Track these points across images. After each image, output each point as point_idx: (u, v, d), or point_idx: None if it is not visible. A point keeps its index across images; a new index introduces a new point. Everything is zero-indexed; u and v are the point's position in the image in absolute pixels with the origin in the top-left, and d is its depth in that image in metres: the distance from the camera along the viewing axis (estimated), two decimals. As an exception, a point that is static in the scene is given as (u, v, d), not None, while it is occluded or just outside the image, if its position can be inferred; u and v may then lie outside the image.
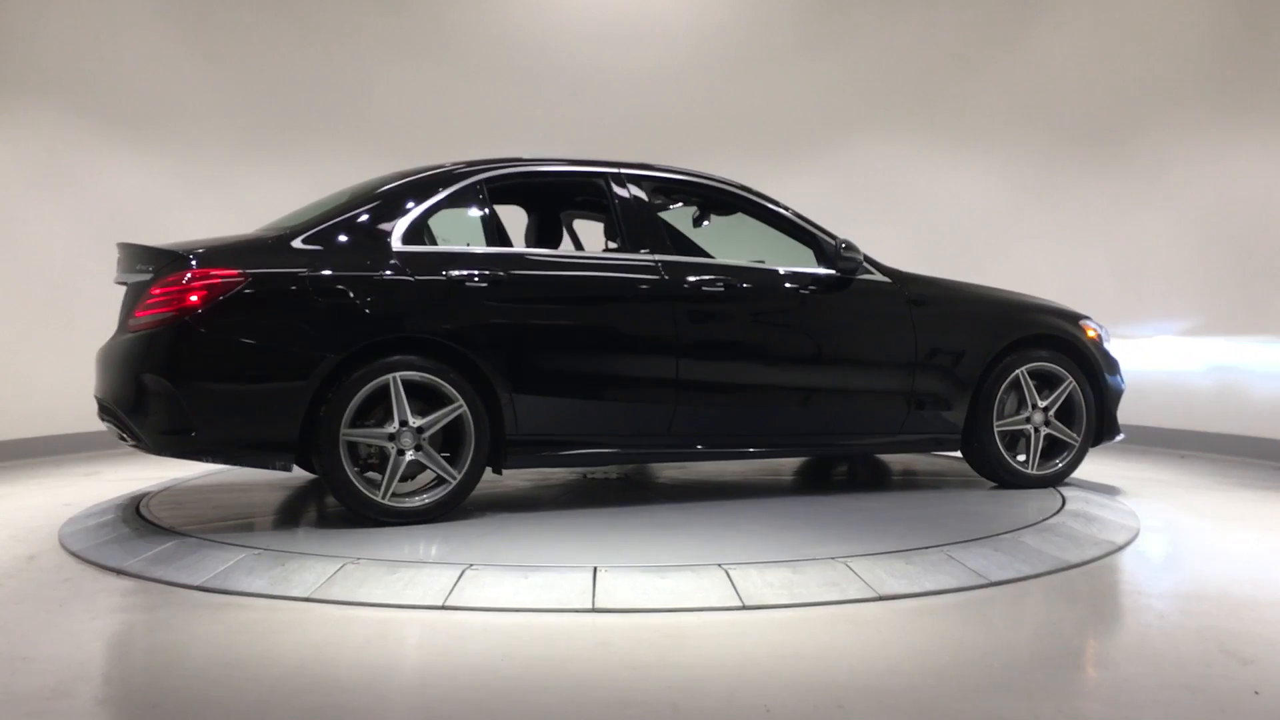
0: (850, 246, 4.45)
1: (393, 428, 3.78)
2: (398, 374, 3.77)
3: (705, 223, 4.96)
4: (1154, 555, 3.76)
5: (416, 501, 3.87)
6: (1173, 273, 6.84)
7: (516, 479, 4.98)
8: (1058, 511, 4.15)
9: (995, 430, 4.61)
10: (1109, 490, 4.90)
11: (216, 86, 7.45)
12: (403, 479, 3.89)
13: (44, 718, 2.21)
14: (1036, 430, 4.68)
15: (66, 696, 2.35)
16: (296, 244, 3.84)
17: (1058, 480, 4.73)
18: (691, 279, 4.24)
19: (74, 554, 3.68)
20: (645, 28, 8.05)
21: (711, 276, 4.29)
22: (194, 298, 3.63)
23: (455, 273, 3.92)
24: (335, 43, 7.72)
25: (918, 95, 7.87)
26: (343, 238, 3.90)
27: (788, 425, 4.48)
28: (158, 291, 3.69)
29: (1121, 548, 3.79)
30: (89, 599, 3.14)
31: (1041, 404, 4.67)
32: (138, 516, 4.07)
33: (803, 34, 8.02)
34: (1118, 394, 4.91)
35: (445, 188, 4.13)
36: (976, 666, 2.56)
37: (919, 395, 4.53)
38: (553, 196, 5.08)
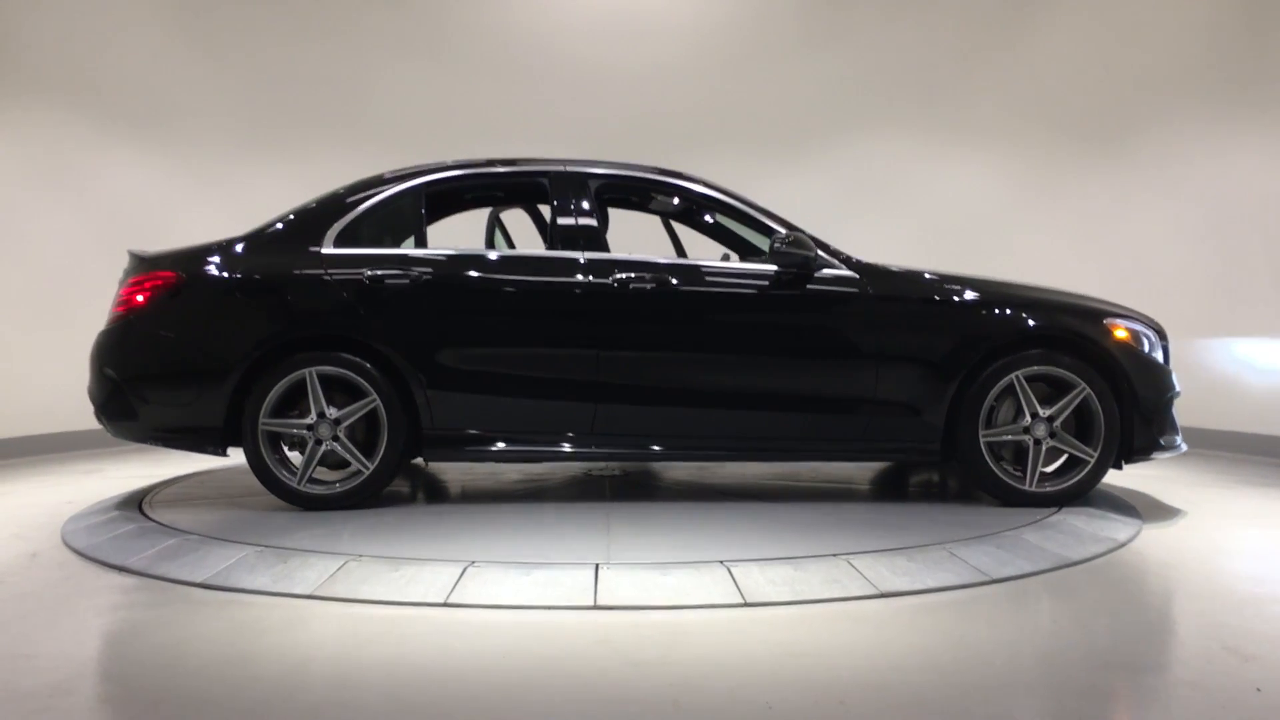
0: (796, 241, 4.16)
1: (311, 419, 4.05)
2: (313, 369, 4.05)
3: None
4: (1156, 552, 3.76)
5: (335, 489, 4.13)
6: (1172, 268, 6.84)
7: (516, 475, 4.98)
8: (1059, 509, 4.15)
9: (982, 441, 4.18)
10: (1111, 488, 4.90)
11: (217, 85, 7.45)
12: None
13: (46, 715, 2.21)
14: (1037, 442, 4.17)
15: (69, 694, 2.35)
16: (240, 247, 4.20)
17: (1064, 500, 4.20)
18: (618, 276, 4.16)
19: (76, 551, 3.70)
20: (645, 25, 8.05)
21: (640, 274, 4.17)
22: (140, 297, 4.12)
23: (372, 273, 4.09)
24: (335, 41, 7.73)
25: (919, 92, 7.87)
26: (281, 241, 4.22)
27: (723, 429, 4.23)
28: (122, 293, 4.20)
29: (1123, 545, 3.79)
30: (91, 596, 3.15)
31: (1044, 413, 4.16)
32: (140, 514, 4.09)
33: (804, 31, 8.01)
34: (1154, 404, 4.23)
35: (378, 194, 4.31)
36: (978, 663, 2.56)
37: (882, 401, 4.17)
38: (500, 198, 5.11)
